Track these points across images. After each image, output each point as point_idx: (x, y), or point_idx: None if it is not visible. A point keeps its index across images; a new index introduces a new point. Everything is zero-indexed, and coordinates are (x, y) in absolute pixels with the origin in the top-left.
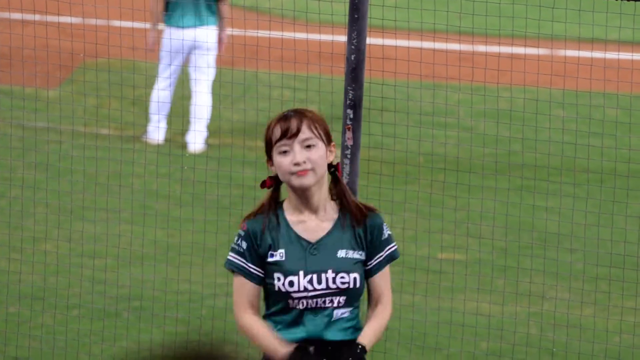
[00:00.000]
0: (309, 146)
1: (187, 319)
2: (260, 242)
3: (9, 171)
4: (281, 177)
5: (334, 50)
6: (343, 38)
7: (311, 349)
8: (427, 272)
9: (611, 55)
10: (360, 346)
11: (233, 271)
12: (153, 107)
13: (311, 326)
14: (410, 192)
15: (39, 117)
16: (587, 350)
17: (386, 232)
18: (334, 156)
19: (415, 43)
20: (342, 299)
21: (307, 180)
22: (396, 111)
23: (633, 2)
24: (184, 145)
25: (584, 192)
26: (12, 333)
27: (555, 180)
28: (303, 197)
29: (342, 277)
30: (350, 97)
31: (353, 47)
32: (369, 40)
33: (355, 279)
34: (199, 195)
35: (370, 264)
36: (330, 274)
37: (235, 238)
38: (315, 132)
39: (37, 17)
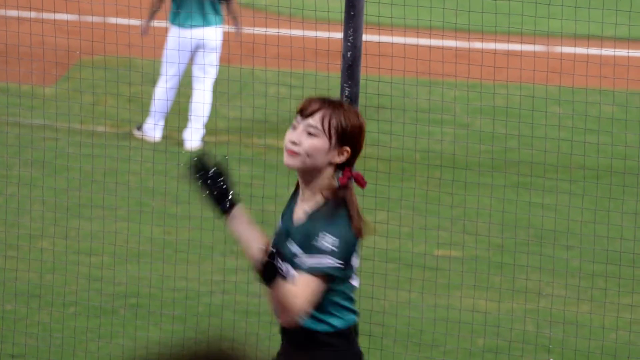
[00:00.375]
0: (310, 134)
1: (183, 316)
2: (283, 213)
3: (5, 168)
4: None
5: (330, 47)
6: (339, 35)
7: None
8: (423, 269)
9: (607, 51)
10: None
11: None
12: (158, 105)
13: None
14: (407, 189)
15: (35, 114)
16: (583, 347)
17: (323, 241)
18: (343, 159)
19: (411, 40)
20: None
21: (291, 161)
22: (392, 108)
23: None
24: (180, 143)
25: (580, 189)
26: (9, 330)
27: (552, 177)
28: (300, 177)
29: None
30: (346, 94)
31: (349, 44)
32: (365, 37)
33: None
34: (196, 192)
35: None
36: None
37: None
38: (325, 125)
39: (33, 14)
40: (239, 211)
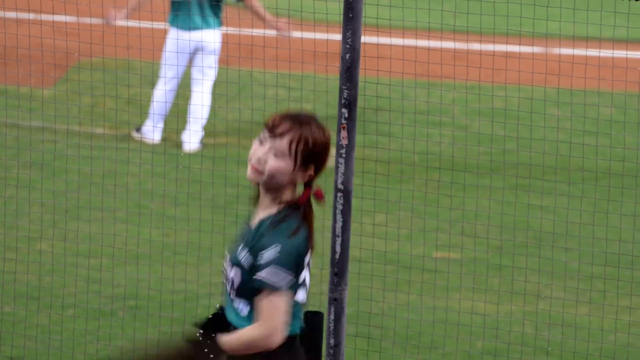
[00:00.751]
0: (276, 155)
1: (182, 318)
2: None
3: (4, 170)
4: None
5: (328, 49)
6: (338, 37)
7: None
8: (422, 271)
9: (605, 53)
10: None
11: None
12: (157, 107)
13: (226, 305)
14: (405, 191)
15: (34, 116)
16: (582, 349)
17: (266, 255)
18: (306, 178)
19: (410, 42)
20: (233, 291)
21: (253, 177)
22: (391, 110)
23: (627, 0)
24: (179, 145)
25: (579, 191)
26: (7, 333)
27: (550, 179)
28: (260, 187)
29: (230, 272)
30: (345, 96)
31: (348, 46)
32: (364, 39)
33: (236, 277)
34: (194, 194)
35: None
36: (227, 266)
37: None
38: (292, 149)
39: (32, 16)
40: None
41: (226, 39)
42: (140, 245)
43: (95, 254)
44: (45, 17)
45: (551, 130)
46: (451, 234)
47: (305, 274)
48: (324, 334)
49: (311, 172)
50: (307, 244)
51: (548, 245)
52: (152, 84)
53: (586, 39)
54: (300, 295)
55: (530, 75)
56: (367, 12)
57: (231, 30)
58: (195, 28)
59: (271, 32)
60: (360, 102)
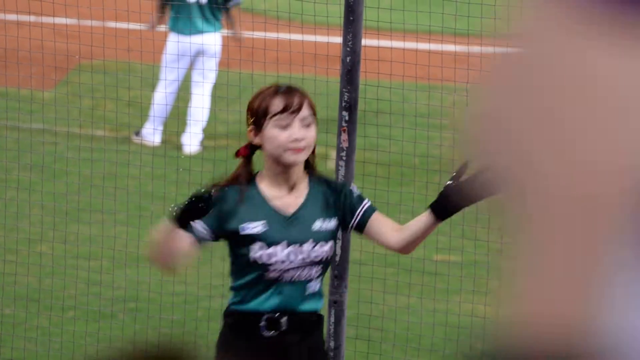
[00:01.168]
0: (307, 125)
1: (182, 320)
2: (231, 212)
3: (4, 173)
4: (271, 150)
5: (329, 52)
6: (338, 40)
7: (283, 320)
8: (422, 274)
9: None
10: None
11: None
12: (157, 109)
13: (285, 297)
14: (406, 194)
15: (34, 118)
16: None
17: (357, 191)
18: None
19: (410, 44)
20: (317, 269)
21: (301, 157)
22: (391, 113)
23: None
24: (179, 147)
25: None
26: (7, 335)
27: None
28: (285, 173)
29: (319, 248)
30: (345, 99)
31: (348, 49)
32: (364, 42)
33: (330, 247)
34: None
35: (356, 216)
36: (308, 245)
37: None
38: (312, 111)
39: (32, 18)
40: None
41: (227, 42)
42: (140, 248)
43: (95, 256)
44: (45, 19)
45: None
46: (451, 237)
47: None
48: (324, 337)
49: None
50: None
51: None
52: (153, 86)
53: None
54: None
55: None
56: (368, 15)
57: (232, 33)
58: (196, 32)
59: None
60: (360, 105)
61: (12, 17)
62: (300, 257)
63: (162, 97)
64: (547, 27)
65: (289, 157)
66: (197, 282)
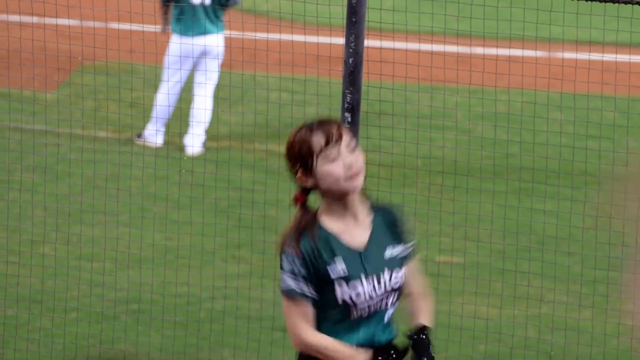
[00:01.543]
0: (352, 149)
1: (185, 322)
2: (318, 261)
3: (7, 174)
4: (330, 186)
5: (331, 53)
6: (341, 41)
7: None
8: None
9: (609, 57)
10: (426, 331)
11: (294, 297)
12: (159, 110)
13: (365, 331)
14: (408, 195)
15: (37, 119)
16: (585, 354)
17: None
18: None
19: (413, 46)
20: (394, 297)
21: (359, 181)
22: (394, 114)
23: (630, 5)
24: (181, 148)
25: (582, 195)
26: (10, 336)
27: (553, 183)
28: (346, 203)
29: (395, 276)
30: (348, 100)
31: (351, 50)
32: (367, 43)
33: (404, 273)
34: (197, 198)
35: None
36: (386, 275)
37: (288, 262)
38: (351, 134)
39: (35, 19)
40: None
41: (229, 43)
42: (143, 249)
43: (98, 258)
44: (48, 20)
45: (554, 134)
46: (454, 238)
47: None
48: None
49: None
50: None
51: (551, 249)
52: (155, 87)
53: (589, 43)
54: None
55: (534, 80)
56: (370, 16)
57: (234, 34)
58: (200, 33)
59: (274, 36)
60: (363, 106)
61: (14, 18)
62: (381, 289)
63: (164, 98)
64: None
65: (350, 184)
66: (200, 284)
